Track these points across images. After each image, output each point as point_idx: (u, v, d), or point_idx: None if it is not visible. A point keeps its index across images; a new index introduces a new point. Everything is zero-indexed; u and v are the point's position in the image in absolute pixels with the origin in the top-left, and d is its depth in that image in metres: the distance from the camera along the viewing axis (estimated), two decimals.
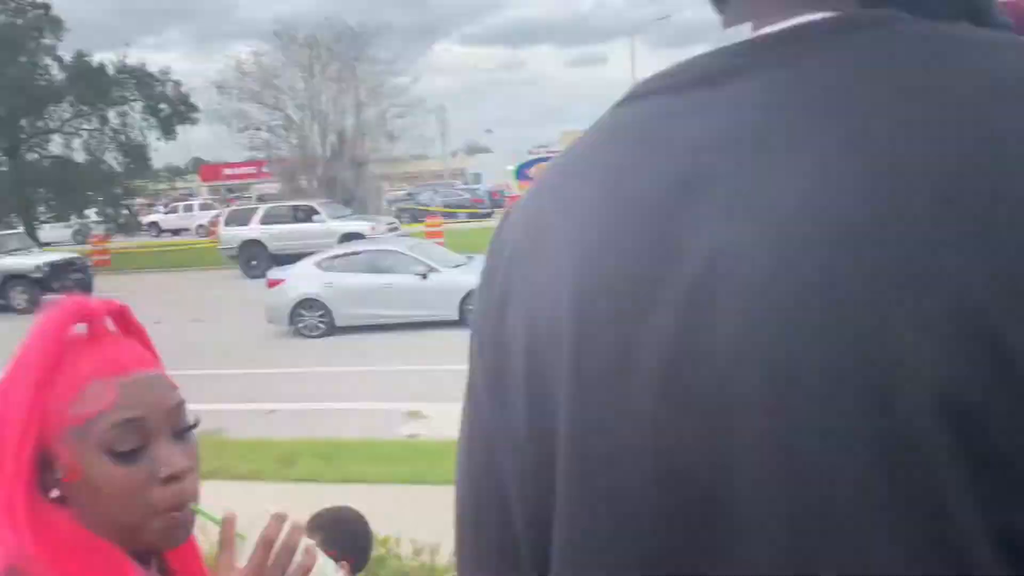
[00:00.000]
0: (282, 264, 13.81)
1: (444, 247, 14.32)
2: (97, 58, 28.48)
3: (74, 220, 31.07)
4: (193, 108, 29.29)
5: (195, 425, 0.98)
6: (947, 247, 0.39)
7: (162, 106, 29.05)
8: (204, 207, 37.21)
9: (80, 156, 28.95)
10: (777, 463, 0.43)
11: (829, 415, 0.41)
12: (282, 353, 10.64)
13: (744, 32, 0.52)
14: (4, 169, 27.38)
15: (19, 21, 27.46)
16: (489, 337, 0.60)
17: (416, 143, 30.81)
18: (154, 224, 36.12)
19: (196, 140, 42.51)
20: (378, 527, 2.53)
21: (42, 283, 15.35)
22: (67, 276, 16.07)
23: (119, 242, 26.60)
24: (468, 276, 10.67)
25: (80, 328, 0.94)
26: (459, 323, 10.19)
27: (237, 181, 45.33)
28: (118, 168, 29.19)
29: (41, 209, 28.47)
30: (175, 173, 37.98)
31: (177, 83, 29.27)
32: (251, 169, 38.51)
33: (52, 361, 0.90)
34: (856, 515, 0.40)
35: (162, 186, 36.03)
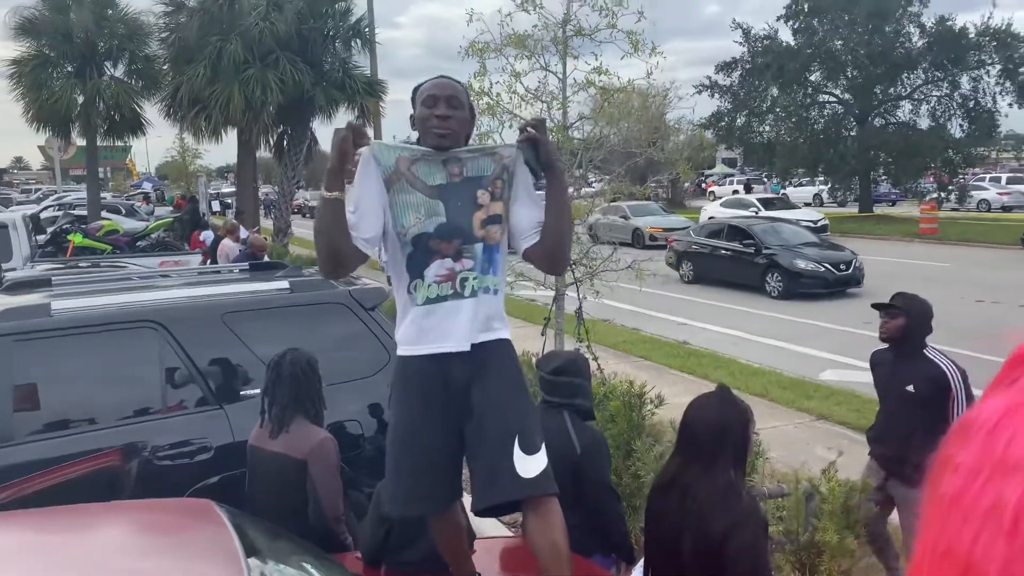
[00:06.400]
0: None
1: None
2: (960, 21, 27.85)
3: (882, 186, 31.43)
4: None
5: None
6: None
7: (1022, 70, 26.83)
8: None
9: (924, 122, 29.09)
10: None
11: None
12: None
13: None
14: (853, 135, 29.49)
15: None
16: None
17: None
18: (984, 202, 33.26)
19: None
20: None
21: None
22: None
23: (945, 212, 26.16)
24: None
25: None
26: None
27: None
28: (960, 135, 28.39)
29: (880, 173, 29.80)
30: (1021, 142, 35.00)
31: None
32: None
33: None
34: None
35: (1006, 155, 33.65)
